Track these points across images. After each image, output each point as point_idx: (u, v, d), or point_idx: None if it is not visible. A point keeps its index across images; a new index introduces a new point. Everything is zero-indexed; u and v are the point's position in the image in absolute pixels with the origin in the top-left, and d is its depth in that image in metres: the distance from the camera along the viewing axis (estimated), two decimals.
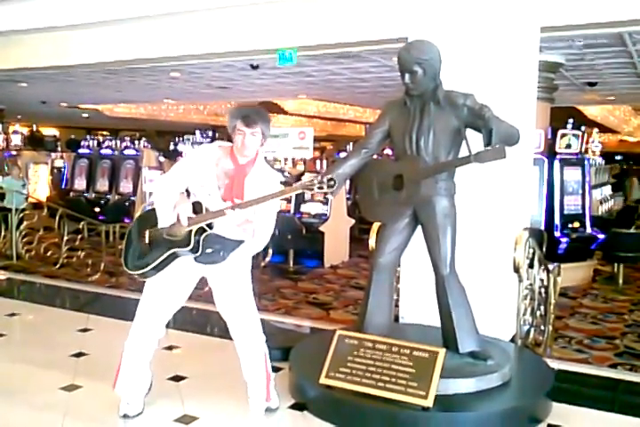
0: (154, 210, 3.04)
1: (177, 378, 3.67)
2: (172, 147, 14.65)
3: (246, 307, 3.12)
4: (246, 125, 2.87)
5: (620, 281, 7.68)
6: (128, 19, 7.19)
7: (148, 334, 3.08)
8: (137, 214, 3.31)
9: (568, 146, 7.90)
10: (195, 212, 2.88)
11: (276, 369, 3.31)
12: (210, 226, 2.87)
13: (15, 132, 14.79)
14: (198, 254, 2.89)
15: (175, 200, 2.92)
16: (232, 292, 3.09)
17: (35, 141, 16.42)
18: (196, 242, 2.86)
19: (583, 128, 8.10)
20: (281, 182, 3.09)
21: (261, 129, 2.91)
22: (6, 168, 12.21)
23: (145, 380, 3.18)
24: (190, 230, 2.86)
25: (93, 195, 11.56)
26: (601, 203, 9.82)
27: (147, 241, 3.02)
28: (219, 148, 3.03)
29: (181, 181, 2.99)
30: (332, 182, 2.69)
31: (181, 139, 14.78)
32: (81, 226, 7.35)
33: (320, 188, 2.69)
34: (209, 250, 2.90)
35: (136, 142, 11.90)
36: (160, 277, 3.02)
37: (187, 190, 3.05)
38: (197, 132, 14.85)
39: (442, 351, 3.05)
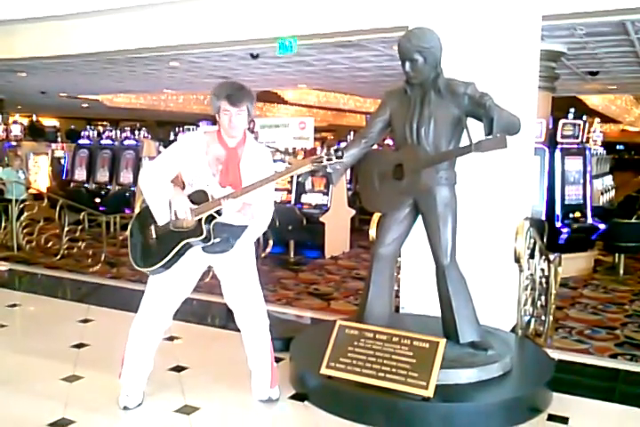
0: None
1: (178, 368, 3.67)
2: (172, 137, 14.58)
3: (254, 294, 3.12)
4: (232, 104, 2.82)
5: (621, 271, 7.68)
6: (127, 8, 7.16)
7: (154, 325, 3.07)
8: (135, 212, 3.26)
9: (569, 136, 7.86)
10: (200, 201, 2.84)
11: (276, 360, 3.31)
12: (219, 213, 2.84)
13: (15, 122, 14.72)
14: (210, 243, 2.87)
15: (169, 196, 2.87)
16: (239, 279, 3.09)
17: (35, 132, 16.36)
18: (207, 231, 2.84)
19: (585, 118, 8.06)
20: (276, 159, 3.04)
21: (247, 107, 2.86)
22: (7, 159, 12.21)
23: (147, 371, 3.17)
24: (200, 219, 2.84)
25: (94, 185, 11.54)
26: (602, 193, 9.79)
27: (154, 236, 2.98)
28: (205, 134, 2.99)
29: (169, 172, 2.92)
30: (339, 153, 2.68)
31: (181, 129, 14.73)
32: (81, 217, 7.34)
33: (329, 160, 2.68)
34: (217, 239, 2.89)
35: (136, 133, 11.87)
36: None
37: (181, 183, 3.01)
38: (200, 123, 14.78)
39: (442, 342, 3.05)
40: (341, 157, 2.71)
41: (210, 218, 2.84)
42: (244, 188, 2.81)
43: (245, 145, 2.96)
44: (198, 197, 2.86)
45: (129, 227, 3.13)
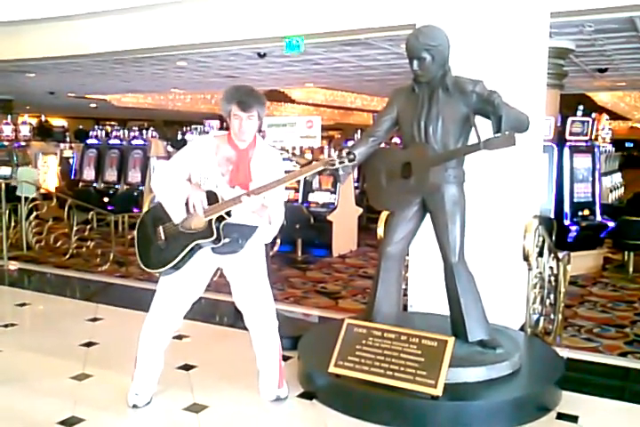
0: (159, 205, 3.00)
1: (186, 367, 3.68)
2: (179, 136, 14.62)
3: (263, 296, 3.12)
4: (242, 110, 2.84)
5: (631, 269, 7.62)
6: (135, 8, 7.18)
7: (165, 325, 3.09)
8: (143, 212, 3.27)
9: (578, 133, 7.82)
10: (210, 202, 2.85)
11: (284, 358, 3.31)
12: (228, 214, 2.84)
13: (24, 122, 14.77)
14: (220, 244, 2.87)
15: (186, 192, 2.87)
16: (249, 282, 3.09)
17: (43, 132, 16.41)
18: (217, 231, 2.84)
19: (593, 115, 8.01)
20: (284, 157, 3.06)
21: (257, 112, 2.88)
22: (15, 159, 12.26)
23: (158, 371, 3.18)
24: (210, 220, 2.84)
25: (102, 185, 11.58)
26: (611, 190, 9.73)
27: (162, 237, 2.97)
28: (214, 137, 3.01)
29: (181, 174, 2.93)
30: (351, 156, 2.71)
31: (189, 128, 14.75)
32: (90, 216, 7.36)
33: (341, 162, 2.70)
34: (227, 239, 2.89)
35: (144, 132, 11.90)
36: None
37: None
38: (206, 122, 14.81)
39: (451, 340, 3.04)
40: (354, 160, 2.74)
41: (220, 219, 2.85)
42: (261, 186, 2.78)
43: (256, 147, 2.98)
44: (208, 198, 2.87)
45: (136, 228, 3.13)
